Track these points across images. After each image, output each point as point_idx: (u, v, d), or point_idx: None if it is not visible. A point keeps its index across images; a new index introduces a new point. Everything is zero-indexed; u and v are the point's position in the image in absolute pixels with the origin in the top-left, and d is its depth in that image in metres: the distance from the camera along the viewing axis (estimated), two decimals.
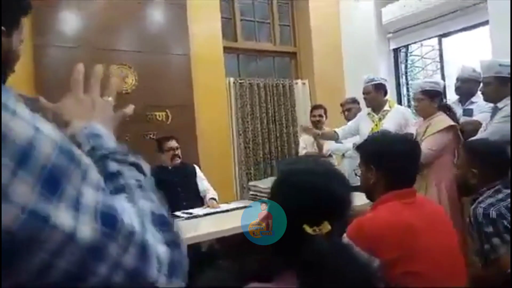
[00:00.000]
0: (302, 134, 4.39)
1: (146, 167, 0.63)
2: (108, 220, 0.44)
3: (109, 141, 0.62)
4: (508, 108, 2.46)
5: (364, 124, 3.39)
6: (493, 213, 1.58)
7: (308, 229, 0.84)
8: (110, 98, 0.71)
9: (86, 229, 0.42)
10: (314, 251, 0.80)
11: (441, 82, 2.92)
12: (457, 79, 3.30)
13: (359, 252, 1.03)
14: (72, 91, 0.69)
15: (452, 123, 2.63)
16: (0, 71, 0.75)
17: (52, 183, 0.41)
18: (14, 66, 0.97)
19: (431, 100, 2.72)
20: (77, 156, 0.46)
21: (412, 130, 2.94)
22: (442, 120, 2.65)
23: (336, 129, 3.66)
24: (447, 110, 2.76)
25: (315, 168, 0.98)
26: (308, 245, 0.82)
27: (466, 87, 3.20)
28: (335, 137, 3.71)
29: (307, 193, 0.90)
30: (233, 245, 2.15)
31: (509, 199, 1.64)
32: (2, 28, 0.90)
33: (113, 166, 0.56)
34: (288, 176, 0.99)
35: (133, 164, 0.61)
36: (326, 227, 0.85)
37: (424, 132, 2.66)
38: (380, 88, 3.36)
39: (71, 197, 0.42)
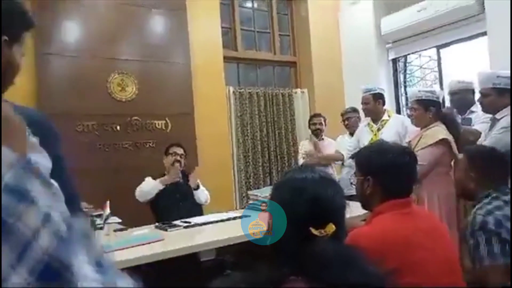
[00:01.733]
0: (302, 143, 4.40)
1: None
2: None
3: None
4: (507, 119, 2.47)
5: (364, 136, 3.40)
6: (490, 222, 1.57)
7: (314, 231, 0.86)
8: None
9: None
10: (320, 252, 0.81)
11: (438, 91, 2.85)
12: (448, 93, 3.33)
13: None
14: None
15: (445, 136, 2.55)
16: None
17: None
18: (13, 79, 0.97)
19: (425, 109, 2.67)
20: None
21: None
22: (435, 132, 2.58)
23: (341, 151, 3.73)
24: (447, 120, 2.69)
25: (309, 173, 1.00)
26: (314, 247, 0.83)
27: (458, 98, 3.21)
28: (340, 158, 3.76)
29: (306, 196, 0.93)
30: (236, 254, 2.14)
31: (507, 207, 1.63)
32: (5, 37, 0.90)
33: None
34: (285, 183, 1.02)
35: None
36: (331, 227, 0.87)
37: (416, 145, 2.60)
38: (379, 98, 3.37)
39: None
